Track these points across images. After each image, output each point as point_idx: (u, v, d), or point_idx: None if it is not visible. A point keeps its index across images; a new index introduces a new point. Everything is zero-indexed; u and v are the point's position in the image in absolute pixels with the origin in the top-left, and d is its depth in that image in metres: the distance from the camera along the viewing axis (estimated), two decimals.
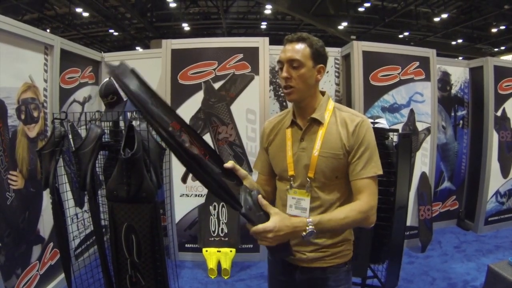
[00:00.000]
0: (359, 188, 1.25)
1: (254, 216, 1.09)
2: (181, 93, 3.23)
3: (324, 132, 1.29)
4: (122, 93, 2.04)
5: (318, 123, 1.31)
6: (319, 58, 1.28)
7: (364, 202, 1.23)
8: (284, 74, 1.26)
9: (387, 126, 2.59)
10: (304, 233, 1.13)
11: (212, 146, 3.24)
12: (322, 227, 1.16)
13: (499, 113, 3.96)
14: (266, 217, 1.10)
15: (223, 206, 3.23)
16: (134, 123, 1.91)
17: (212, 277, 3.07)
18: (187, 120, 3.25)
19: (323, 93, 1.38)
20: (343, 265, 1.37)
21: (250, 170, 3.27)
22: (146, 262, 1.84)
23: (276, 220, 1.09)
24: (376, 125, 2.48)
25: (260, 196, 1.13)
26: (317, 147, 1.28)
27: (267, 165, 1.48)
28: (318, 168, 1.28)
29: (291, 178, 1.34)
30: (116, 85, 2.04)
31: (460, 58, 11.99)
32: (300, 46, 1.26)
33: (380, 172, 1.27)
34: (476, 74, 4.08)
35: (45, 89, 2.68)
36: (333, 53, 3.61)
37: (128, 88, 1.06)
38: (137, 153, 1.73)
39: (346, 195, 1.32)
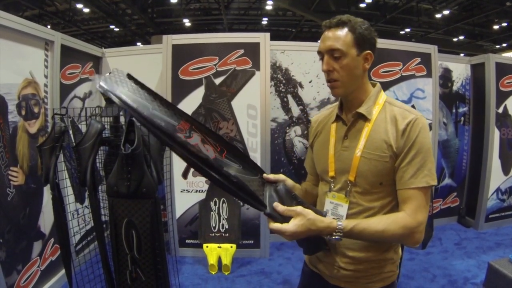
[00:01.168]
0: (405, 199, 1.07)
1: (280, 215, 1.01)
2: (182, 88, 3.22)
3: (370, 130, 1.12)
4: None
5: (364, 118, 1.14)
6: (365, 43, 1.10)
7: (410, 216, 1.05)
8: (325, 67, 1.10)
9: None
10: (329, 237, 1.04)
11: None
12: (352, 235, 1.04)
13: (500, 110, 3.95)
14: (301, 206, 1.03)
15: (223, 202, 3.23)
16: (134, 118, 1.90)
17: (213, 272, 3.07)
18: None
19: (374, 85, 1.21)
20: None
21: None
22: (147, 258, 1.83)
23: (297, 224, 0.99)
24: None
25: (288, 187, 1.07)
26: (360, 146, 1.12)
27: (314, 164, 1.36)
28: (360, 171, 1.12)
29: (331, 180, 1.20)
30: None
31: (462, 55, 11.96)
32: (341, 32, 1.08)
33: (434, 182, 1.07)
34: (477, 71, 4.06)
35: (45, 85, 2.68)
36: None
37: (121, 99, 1.00)
38: (137, 149, 1.72)
39: (393, 204, 1.14)
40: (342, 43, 1.08)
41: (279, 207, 1.02)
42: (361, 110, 1.15)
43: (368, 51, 1.11)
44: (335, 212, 1.18)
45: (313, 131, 1.36)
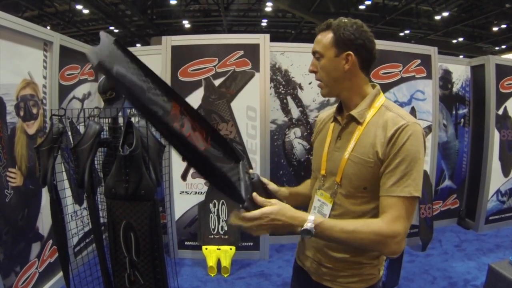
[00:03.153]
0: (384, 207, 1.04)
1: (254, 207, 1.01)
2: (181, 90, 3.21)
3: (360, 133, 1.11)
4: None
5: (357, 121, 1.14)
6: (345, 44, 1.09)
7: (385, 223, 1.01)
8: (309, 67, 1.17)
9: None
10: (300, 229, 1.00)
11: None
12: (323, 231, 1.00)
13: (500, 112, 3.95)
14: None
15: (223, 203, 3.22)
16: (133, 119, 1.89)
17: (212, 275, 3.06)
18: None
19: (374, 87, 1.20)
20: None
21: (250, 167, 3.26)
22: (145, 261, 1.82)
23: (274, 207, 1.00)
24: None
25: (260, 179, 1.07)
26: (349, 149, 1.12)
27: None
28: (345, 173, 1.12)
29: (322, 178, 1.22)
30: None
31: (461, 56, 11.99)
32: (323, 35, 1.12)
33: (417, 193, 1.02)
34: (477, 72, 4.06)
35: (44, 86, 2.67)
36: None
37: (119, 81, 0.90)
38: (135, 150, 1.71)
39: (377, 211, 1.10)
40: (321, 45, 1.12)
41: (258, 198, 1.02)
42: (354, 112, 1.14)
43: (348, 52, 1.09)
44: (321, 210, 1.20)
45: (316, 128, 1.38)
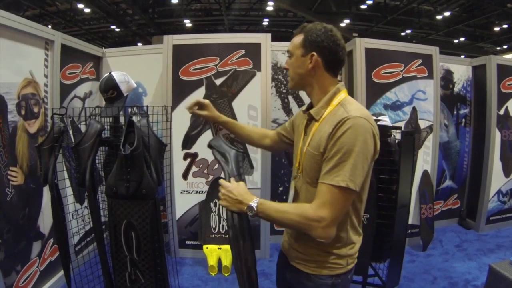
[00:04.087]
0: (316, 193, 1.13)
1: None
2: (182, 89, 3.21)
3: (315, 129, 1.22)
4: (122, 88, 2.02)
5: (314, 119, 1.25)
6: (311, 46, 1.21)
7: (312, 208, 1.10)
8: (283, 65, 1.35)
9: (390, 124, 2.56)
10: (246, 207, 1.16)
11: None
12: (263, 210, 1.15)
13: (501, 112, 3.94)
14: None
15: None
16: (134, 118, 1.89)
17: (213, 274, 3.06)
18: (188, 117, 3.23)
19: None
20: (328, 277, 1.25)
21: (251, 167, 3.27)
22: (146, 260, 1.82)
23: (233, 184, 1.22)
24: (378, 123, 2.45)
25: None
26: (306, 143, 1.24)
27: (283, 129, 1.58)
28: (303, 166, 1.25)
29: (296, 171, 1.32)
30: (117, 80, 2.03)
31: (462, 56, 11.97)
32: (297, 37, 1.26)
33: (344, 184, 1.07)
34: (479, 72, 4.05)
35: (45, 85, 2.67)
36: None
37: None
38: (137, 149, 1.71)
39: None
40: (292, 45, 1.26)
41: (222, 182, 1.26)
42: (312, 110, 1.26)
43: (312, 53, 1.21)
44: (292, 199, 1.35)
45: (297, 116, 1.48)
